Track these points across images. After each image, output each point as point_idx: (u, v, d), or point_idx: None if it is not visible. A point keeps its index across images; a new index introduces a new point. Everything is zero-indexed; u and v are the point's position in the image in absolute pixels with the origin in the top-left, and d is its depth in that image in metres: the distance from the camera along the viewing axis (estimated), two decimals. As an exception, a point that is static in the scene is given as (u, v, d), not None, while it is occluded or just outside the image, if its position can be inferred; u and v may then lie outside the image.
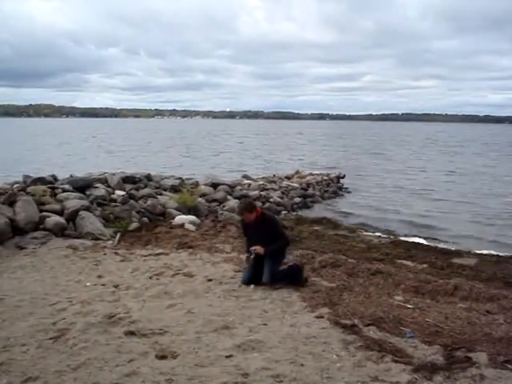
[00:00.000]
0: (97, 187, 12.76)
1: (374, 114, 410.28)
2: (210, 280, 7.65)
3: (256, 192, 17.67)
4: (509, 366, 4.84)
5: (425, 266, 9.42)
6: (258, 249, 7.34)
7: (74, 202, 11.15)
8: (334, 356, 5.04)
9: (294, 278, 7.47)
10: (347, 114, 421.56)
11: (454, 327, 5.88)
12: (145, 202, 13.08)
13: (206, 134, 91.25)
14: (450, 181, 27.34)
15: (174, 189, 15.25)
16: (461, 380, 4.54)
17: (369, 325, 5.82)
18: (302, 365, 4.81)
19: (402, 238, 12.99)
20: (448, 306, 6.72)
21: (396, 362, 4.89)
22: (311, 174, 23.34)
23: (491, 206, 19.83)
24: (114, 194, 12.97)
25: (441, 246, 12.35)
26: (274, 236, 7.45)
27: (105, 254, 9.26)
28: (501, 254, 11.48)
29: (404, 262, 9.66)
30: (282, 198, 18.34)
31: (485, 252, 11.75)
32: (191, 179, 18.05)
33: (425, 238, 13.52)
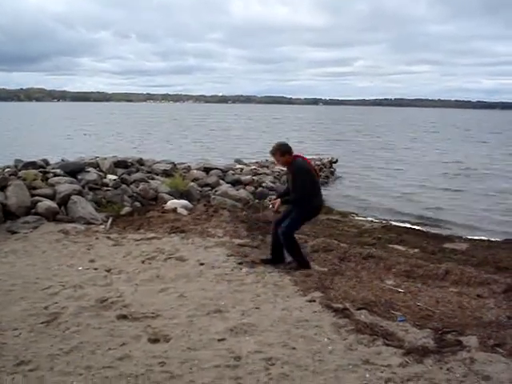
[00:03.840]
0: (88, 171, 12.70)
1: (366, 99, 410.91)
2: (202, 264, 7.65)
3: (248, 177, 17.64)
4: (499, 349, 4.89)
5: (416, 250, 9.46)
6: (276, 205, 7.35)
7: (65, 186, 11.10)
8: (326, 339, 5.07)
9: (302, 263, 7.53)
10: (340, 99, 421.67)
11: (444, 311, 5.94)
12: (137, 187, 13.05)
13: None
14: (439, 167, 27.36)
15: (166, 173, 15.22)
16: (451, 363, 4.58)
17: (360, 308, 5.85)
18: (294, 348, 4.85)
19: (394, 223, 13.04)
20: (439, 290, 6.77)
21: (387, 345, 4.94)
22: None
23: (480, 192, 19.92)
24: (105, 178, 12.91)
25: (432, 230, 12.40)
26: (297, 185, 7.26)
27: (97, 238, 9.24)
28: (492, 239, 11.55)
29: (395, 246, 9.70)
30: (274, 182, 18.31)
31: (476, 237, 11.82)
32: (183, 163, 18.03)
33: (416, 223, 13.58)
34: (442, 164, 28.72)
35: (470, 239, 11.31)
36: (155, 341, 5.00)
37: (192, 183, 14.77)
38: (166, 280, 6.95)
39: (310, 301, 6.14)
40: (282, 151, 7.28)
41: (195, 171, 16.69)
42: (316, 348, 4.87)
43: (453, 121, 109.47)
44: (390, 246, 9.72)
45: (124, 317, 5.59)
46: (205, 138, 46.81)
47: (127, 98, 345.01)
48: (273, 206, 7.42)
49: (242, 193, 15.32)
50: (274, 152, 7.36)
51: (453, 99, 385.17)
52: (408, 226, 12.86)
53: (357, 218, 13.79)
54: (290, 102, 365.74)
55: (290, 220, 7.32)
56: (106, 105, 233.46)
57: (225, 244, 8.85)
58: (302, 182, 7.14)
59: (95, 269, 7.43)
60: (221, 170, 17.61)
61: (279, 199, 7.42)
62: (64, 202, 10.65)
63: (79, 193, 11.02)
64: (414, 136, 55.14)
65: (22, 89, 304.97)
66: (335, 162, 24.64)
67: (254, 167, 19.71)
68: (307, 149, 30.49)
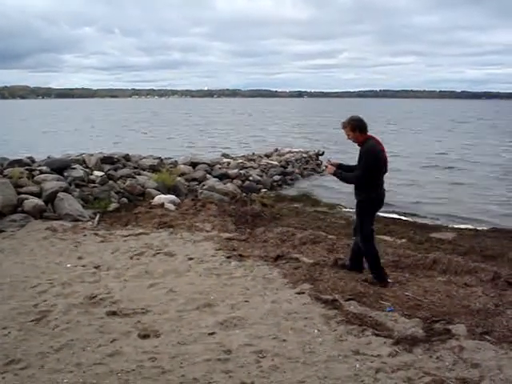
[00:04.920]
0: (75, 168, 12.63)
1: (351, 91, 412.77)
2: (191, 259, 7.66)
3: (235, 170, 17.65)
4: (487, 337, 4.94)
5: (404, 240, 9.52)
6: (329, 168, 6.76)
7: (51, 183, 11.03)
8: (316, 331, 5.10)
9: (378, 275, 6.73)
10: (325, 91, 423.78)
11: (433, 300, 5.98)
12: (124, 183, 13.00)
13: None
14: (422, 159, 27.47)
15: (153, 168, 15.18)
16: (440, 352, 4.63)
17: (349, 299, 5.88)
18: (284, 340, 4.88)
19: (381, 214, 13.06)
20: (427, 279, 6.82)
21: (377, 335, 4.97)
22: (290, 152, 23.34)
23: (463, 183, 20.06)
24: (92, 174, 12.85)
25: (419, 221, 12.48)
26: (359, 167, 6.55)
27: (85, 235, 9.20)
28: (478, 228, 11.63)
29: (383, 237, 9.74)
30: (261, 176, 18.35)
31: (462, 226, 11.91)
32: (170, 158, 17.99)
33: (403, 214, 13.64)
34: (424, 155, 28.79)
35: (457, 228, 11.40)
36: (145, 336, 5.00)
37: (179, 178, 14.75)
38: (154, 275, 6.95)
39: (300, 293, 6.17)
40: (353, 126, 6.52)
41: (182, 166, 16.68)
42: (306, 340, 4.90)
43: (434, 112, 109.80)
44: (378, 236, 9.73)
45: (113, 313, 5.59)
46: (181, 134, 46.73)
47: (112, 93, 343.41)
48: (326, 167, 6.81)
49: (230, 187, 15.34)
50: (345, 125, 6.60)
51: (437, 90, 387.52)
52: (395, 216, 12.94)
53: (344, 209, 13.85)
54: (275, 95, 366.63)
55: (359, 223, 6.84)
56: (87, 101, 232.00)
57: (213, 238, 8.85)
58: (366, 166, 6.42)
59: (83, 266, 7.40)
60: (208, 164, 17.62)
61: (335, 166, 6.76)
62: (51, 199, 10.59)
63: (66, 190, 10.96)
64: (395, 128, 55.20)
65: (6, 86, 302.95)
66: (321, 155, 24.65)
67: (240, 161, 19.73)
68: (291, 142, 30.52)
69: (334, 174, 6.71)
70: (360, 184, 6.60)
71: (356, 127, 6.51)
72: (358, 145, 6.59)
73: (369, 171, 6.43)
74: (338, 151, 29.25)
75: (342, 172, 6.72)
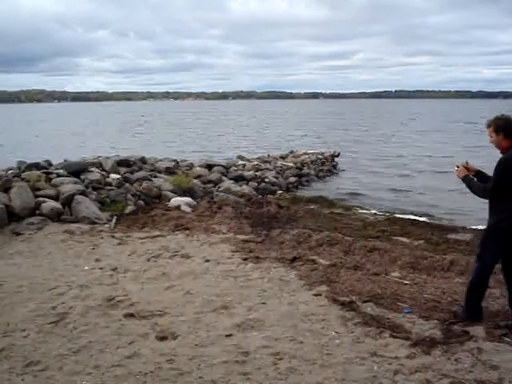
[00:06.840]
0: (91, 171, 12.73)
1: (366, 91, 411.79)
2: (208, 261, 7.67)
3: (251, 172, 17.66)
4: (506, 338, 4.91)
5: (421, 242, 9.46)
6: (460, 170, 5.49)
7: (69, 186, 11.11)
8: (333, 333, 5.09)
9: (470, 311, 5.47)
10: (340, 92, 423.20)
11: (450, 302, 5.94)
12: (140, 185, 13.05)
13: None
14: (437, 161, 27.26)
15: (169, 171, 15.24)
16: (459, 353, 4.60)
17: (366, 301, 5.87)
18: (302, 342, 4.88)
19: (398, 215, 13.03)
20: (444, 280, 6.78)
21: (394, 337, 4.95)
22: (306, 154, 23.29)
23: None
24: (108, 177, 12.93)
25: (436, 222, 12.39)
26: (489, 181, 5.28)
27: (102, 237, 9.25)
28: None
29: (400, 238, 9.70)
30: (277, 177, 18.33)
31: (480, 227, 11.79)
32: (186, 161, 18.04)
33: (420, 215, 13.56)
34: (442, 157, 28.63)
35: (474, 229, 11.28)
36: (163, 338, 5.02)
37: (195, 180, 14.78)
38: (171, 277, 6.97)
39: (316, 295, 6.16)
40: (497, 126, 5.16)
41: (198, 168, 16.73)
42: (323, 341, 4.89)
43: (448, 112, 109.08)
44: (395, 238, 9.72)
45: (131, 315, 5.61)
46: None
47: (128, 96, 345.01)
48: (457, 167, 5.55)
49: (245, 188, 15.35)
50: (489, 124, 5.28)
51: (453, 90, 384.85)
52: (412, 217, 12.84)
53: (360, 211, 13.79)
54: (290, 96, 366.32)
55: (479, 249, 5.65)
56: (99, 104, 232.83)
57: (229, 240, 8.86)
58: (495, 180, 5.12)
59: (101, 268, 7.45)
60: (223, 166, 17.66)
61: (473, 172, 5.53)
62: (68, 202, 10.67)
63: (83, 193, 11.04)
64: (416, 130, 54.96)
65: (22, 90, 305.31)
66: (337, 156, 24.59)
67: (256, 163, 19.72)
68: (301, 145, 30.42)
69: (463, 179, 5.47)
70: (490, 202, 5.36)
71: (500, 128, 5.16)
72: (501, 152, 5.22)
73: (498, 187, 5.10)
74: (352, 153, 29.26)
75: (473, 179, 5.48)
